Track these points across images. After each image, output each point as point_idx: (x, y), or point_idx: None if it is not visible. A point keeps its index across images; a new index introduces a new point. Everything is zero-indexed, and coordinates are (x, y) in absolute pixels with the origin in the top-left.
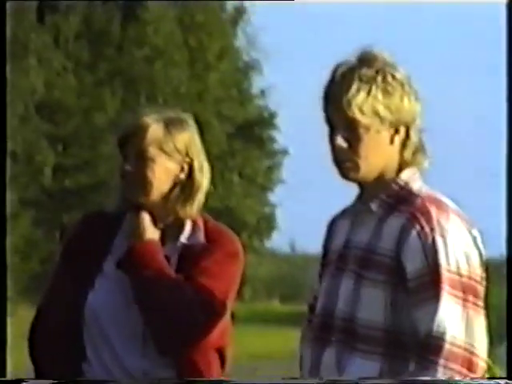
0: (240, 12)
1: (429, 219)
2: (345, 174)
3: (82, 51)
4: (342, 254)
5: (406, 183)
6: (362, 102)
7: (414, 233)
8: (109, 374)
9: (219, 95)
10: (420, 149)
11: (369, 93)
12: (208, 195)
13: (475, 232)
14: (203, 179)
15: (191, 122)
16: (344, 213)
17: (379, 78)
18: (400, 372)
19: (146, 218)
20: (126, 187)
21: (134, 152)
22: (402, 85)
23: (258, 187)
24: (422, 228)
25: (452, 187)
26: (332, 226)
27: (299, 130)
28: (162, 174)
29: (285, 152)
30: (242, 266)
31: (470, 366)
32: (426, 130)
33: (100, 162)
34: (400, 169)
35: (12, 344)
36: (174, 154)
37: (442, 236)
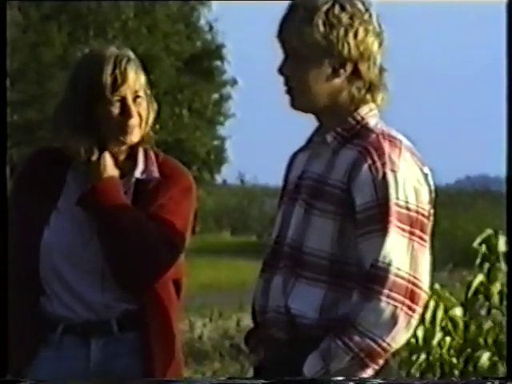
0: None
1: (381, 154)
2: (292, 104)
3: None
4: (296, 185)
5: (363, 118)
6: (302, 31)
7: (365, 166)
8: (69, 309)
9: (167, 30)
10: (377, 86)
11: (310, 23)
12: (158, 129)
13: (426, 169)
14: (153, 104)
15: (135, 58)
16: (303, 147)
17: (324, 8)
18: (343, 300)
19: (106, 155)
20: (117, 131)
21: (119, 96)
22: (352, 18)
23: (208, 120)
24: (374, 162)
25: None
26: (292, 160)
27: (248, 61)
28: (145, 106)
29: (233, 82)
30: (195, 200)
31: (412, 296)
32: (387, 70)
33: (48, 98)
34: (356, 104)
35: None
36: (145, 88)
37: (393, 171)
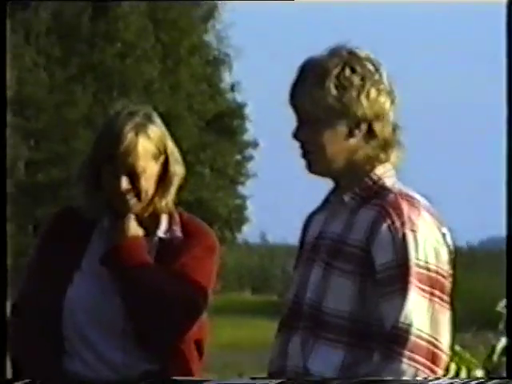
0: (211, 8)
1: (400, 214)
2: (309, 168)
3: (53, 47)
4: (314, 245)
5: (379, 178)
6: (314, 97)
7: (384, 226)
8: (91, 369)
9: (190, 90)
10: (391, 144)
11: (322, 87)
12: (180, 188)
13: (445, 229)
14: (178, 168)
15: (156, 115)
16: (319, 207)
17: (335, 72)
18: (363, 362)
19: (130, 215)
20: (117, 200)
21: (124, 169)
22: (363, 79)
23: (229, 180)
24: (393, 222)
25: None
26: (308, 220)
27: (269, 123)
28: (152, 179)
29: (255, 144)
30: (218, 259)
31: (433, 358)
32: (403, 127)
33: (72, 157)
34: (372, 164)
35: None
36: (158, 154)
37: (412, 231)
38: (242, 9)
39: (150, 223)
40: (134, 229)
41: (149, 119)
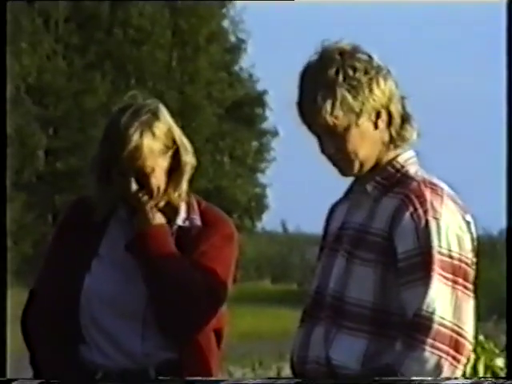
0: None
1: (423, 202)
2: (343, 173)
3: (72, 35)
4: (337, 235)
5: (402, 166)
6: (332, 108)
7: (407, 214)
8: (107, 358)
9: (209, 78)
10: (407, 119)
11: (335, 96)
12: (199, 176)
13: (469, 217)
14: (189, 158)
15: (161, 106)
16: (342, 197)
17: (340, 78)
18: (386, 350)
19: (154, 210)
20: (130, 198)
21: (133, 171)
22: (367, 72)
23: (248, 168)
24: (416, 210)
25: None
26: (331, 211)
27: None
28: (162, 174)
29: (275, 133)
30: (237, 247)
31: (456, 346)
32: (408, 97)
33: (91, 145)
34: (394, 146)
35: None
36: (165, 150)
37: (435, 218)
38: None
39: (168, 212)
40: (159, 217)
41: (154, 115)
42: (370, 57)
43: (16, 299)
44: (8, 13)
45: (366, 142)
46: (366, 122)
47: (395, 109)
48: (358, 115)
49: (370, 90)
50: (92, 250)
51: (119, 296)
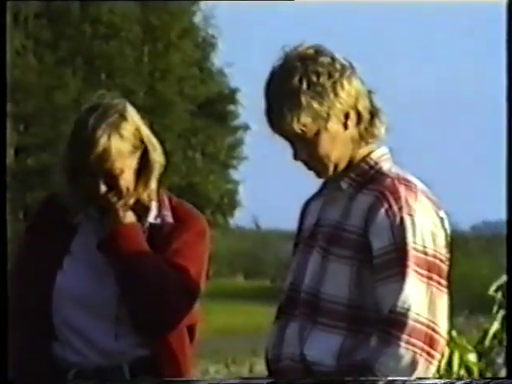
0: None
1: (397, 198)
2: (319, 176)
3: (42, 30)
4: (312, 232)
5: (376, 163)
6: (299, 117)
7: (382, 211)
8: (80, 355)
9: (181, 74)
10: (376, 114)
11: (300, 105)
12: (171, 173)
13: (442, 213)
14: (157, 157)
15: (129, 106)
16: (317, 194)
17: (304, 86)
18: (361, 346)
19: (121, 202)
20: (99, 199)
21: (101, 173)
22: (330, 76)
23: (221, 164)
24: (390, 206)
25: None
26: (305, 207)
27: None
28: (131, 174)
29: (246, 127)
30: (209, 244)
31: (431, 342)
32: (375, 91)
33: (62, 141)
34: (366, 143)
35: None
36: (133, 150)
37: (410, 215)
38: None
39: (139, 210)
40: (129, 216)
41: (121, 116)
42: (332, 59)
43: None
44: None
45: (337, 144)
46: (335, 125)
47: (363, 106)
48: (326, 120)
49: (336, 94)
50: (64, 248)
51: (91, 294)
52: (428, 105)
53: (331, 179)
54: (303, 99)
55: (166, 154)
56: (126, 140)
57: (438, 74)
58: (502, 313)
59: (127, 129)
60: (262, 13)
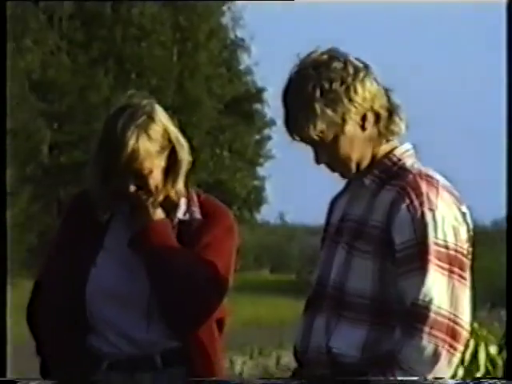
0: None
1: (418, 194)
2: (343, 176)
3: (76, 32)
4: (338, 228)
5: (399, 159)
6: (314, 125)
7: (403, 206)
8: (114, 346)
9: (209, 73)
10: (394, 111)
11: (315, 113)
12: (199, 170)
13: (464, 208)
14: (185, 155)
15: (157, 107)
16: (342, 191)
17: (317, 93)
18: (385, 338)
19: (151, 200)
20: (129, 198)
21: (130, 173)
22: (343, 81)
23: (248, 161)
24: (412, 202)
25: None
26: (332, 204)
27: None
28: (159, 173)
29: (272, 125)
30: (237, 238)
31: (453, 334)
32: (393, 89)
33: (94, 139)
34: (385, 140)
35: (10, 314)
36: (161, 150)
37: (431, 210)
38: None
39: (168, 206)
40: (159, 212)
41: (149, 118)
42: (345, 63)
43: (22, 289)
44: (12, 10)
45: (357, 145)
46: (352, 128)
47: (380, 106)
48: (343, 124)
49: (350, 99)
50: (97, 244)
51: (124, 289)
52: (428, 104)
53: (357, 177)
54: (317, 107)
55: (194, 151)
56: (154, 141)
57: (437, 73)
58: None
59: (155, 129)
60: (288, 13)
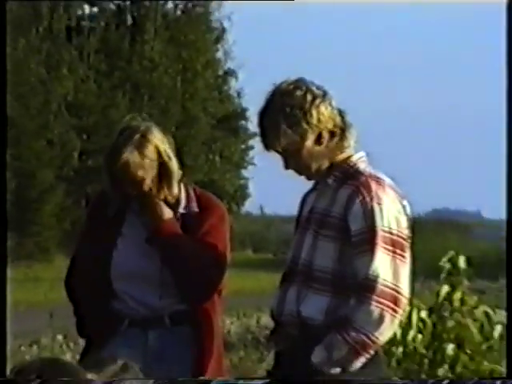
0: (221, 31)
1: (369, 191)
2: (308, 178)
3: (100, 63)
4: (307, 218)
5: (354, 164)
6: (279, 141)
7: (357, 201)
8: (132, 310)
9: (205, 96)
10: (346, 129)
11: (279, 132)
12: (197, 172)
13: (405, 202)
14: (173, 166)
15: (152, 128)
16: (311, 189)
17: (281, 117)
18: (342, 306)
19: (160, 203)
20: (136, 198)
21: (128, 180)
22: (302, 107)
23: (235, 165)
24: (364, 198)
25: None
26: (304, 199)
27: None
28: (150, 181)
29: (254, 135)
30: (229, 225)
31: (395, 301)
32: (347, 110)
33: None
34: (339, 151)
35: (50, 285)
36: (151, 163)
37: (379, 204)
38: (245, 26)
39: (172, 203)
40: (167, 212)
41: (143, 137)
42: (306, 92)
43: (60, 264)
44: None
45: (315, 156)
46: (310, 143)
47: (333, 126)
48: (302, 141)
49: (307, 122)
50: (117, 231)
51: (140, 267)
52: (426, 108)
53: (321, 178)
54: (281, 128)
55: (191, 157)
56: (146, 156)
57: (437, 73)
58: (450, 278)
59: (148, 147)
60: (270, 46)
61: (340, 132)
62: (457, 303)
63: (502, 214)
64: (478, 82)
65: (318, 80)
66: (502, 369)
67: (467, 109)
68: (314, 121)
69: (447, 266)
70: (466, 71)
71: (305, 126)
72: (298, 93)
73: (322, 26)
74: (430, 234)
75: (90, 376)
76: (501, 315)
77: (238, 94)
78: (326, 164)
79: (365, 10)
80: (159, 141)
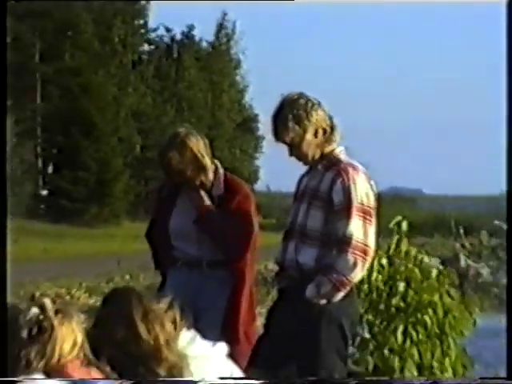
0: (238, 61)
1: (347, 174)
2: (305, 164)
3: (155, 84)
4: (302, 193)
5: (337, 155)
6: (287, 133)
7: (338, 181)
8: (182, 255)
9: (228, 107)
10: (334, 128)
11: (288, 127)
12: (222, 162)
13: (372, 182)
14: (206, 162)
15: (189, 134)
16: (305, 172)
17: (290, 116)
18: (328, 255)
19: (202, 193)
20: (185, 184)
21: (174, 173)
22: (305, 110)
23: (250, 156)
24: (343, 179)
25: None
26: (300, 179)
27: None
28: (190, 172)
29: (263, 137)
30: (253, 200)
31: (365, 252)
32: (335, 116)
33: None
34: (329, 143)
35: (121, 240)
36: (190, 161)
37: (354, 184)
38: (256, 57)
39: (208, 187)
40: (206, 199)
41: (182, 142)
42: (306, 101)
43: (127, 226)
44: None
45: (312, 147)
46: (309, 137)
47: (326, 125)
48: (304, 135)
49: (308, 120)
50: (173, 205)
51: (185, 230)
52: (428, 104)
53: (313, 164)
54: (290, 124)
55: (220, 151)
56: (184, 157)
57: (437, 73)
58: (397, 237)
59: (186, 149)
60: (277, 65)
61: (330, 130)
62: (403, 253)
63: (440, 191)
64: (478, 81)
65: (317, 93)
66: (436, 300)
67: (466, 107)
68: (313, 120)
69: (395, 228)
70: (465, 71)
71: (306, 123)
72: (301, 101)
73: (324, 52)
74: (387, 205)
75: (150, 304)
76: (436, 262)
77: (251, 106)
78: (318, 154)
79: (364, 12)
80: (194, 143)
